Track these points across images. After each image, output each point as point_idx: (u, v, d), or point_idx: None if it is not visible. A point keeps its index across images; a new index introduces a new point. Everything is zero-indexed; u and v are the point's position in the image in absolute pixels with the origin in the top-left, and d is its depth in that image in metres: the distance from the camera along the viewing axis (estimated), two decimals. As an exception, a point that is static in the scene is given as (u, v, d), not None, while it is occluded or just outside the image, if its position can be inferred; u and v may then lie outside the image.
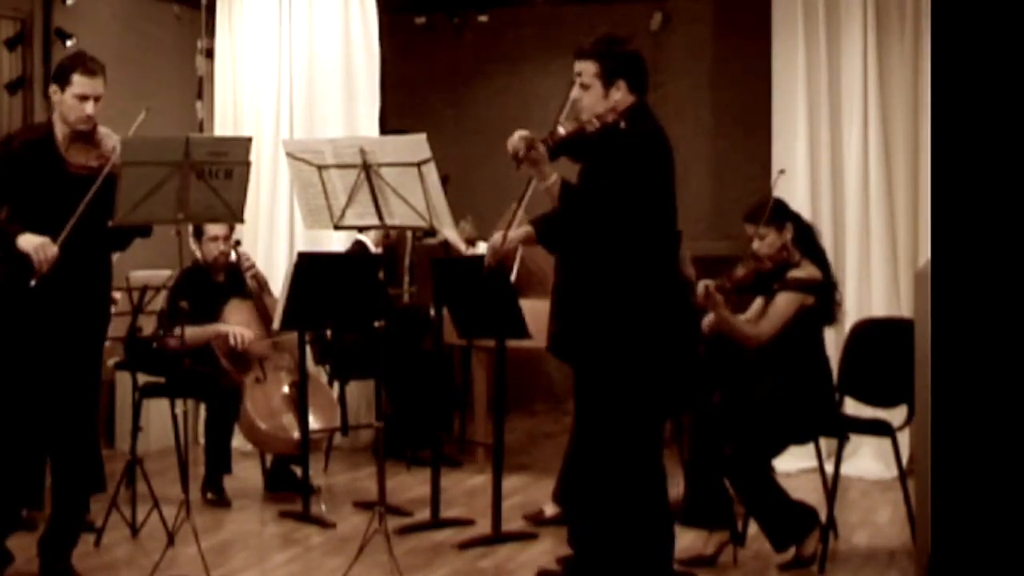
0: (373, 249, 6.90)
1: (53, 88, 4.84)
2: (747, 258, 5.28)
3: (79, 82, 4.76)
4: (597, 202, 4.38)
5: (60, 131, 4.82)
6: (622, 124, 4.43)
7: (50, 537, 4.88)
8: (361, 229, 6.37)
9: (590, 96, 4.48)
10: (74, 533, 4.93)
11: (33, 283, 4.61)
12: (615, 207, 4.36)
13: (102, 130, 4.85)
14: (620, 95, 4.48)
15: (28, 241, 4.64)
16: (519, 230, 4.80)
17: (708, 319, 5.31)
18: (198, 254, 6.49)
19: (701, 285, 5.16)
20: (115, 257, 5.07)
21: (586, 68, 4.49)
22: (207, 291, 6.38)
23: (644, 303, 4.41)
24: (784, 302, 5.19)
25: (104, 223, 4.71)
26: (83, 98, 4.77)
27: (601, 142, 4.43)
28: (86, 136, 4.81)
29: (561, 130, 4.44)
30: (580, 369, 4.57)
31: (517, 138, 4.36)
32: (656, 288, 4.45)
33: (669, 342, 4.51)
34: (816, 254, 5.32)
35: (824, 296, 5.24)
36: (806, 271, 5.23)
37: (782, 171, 5.88)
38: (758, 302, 5.35)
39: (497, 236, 4.82)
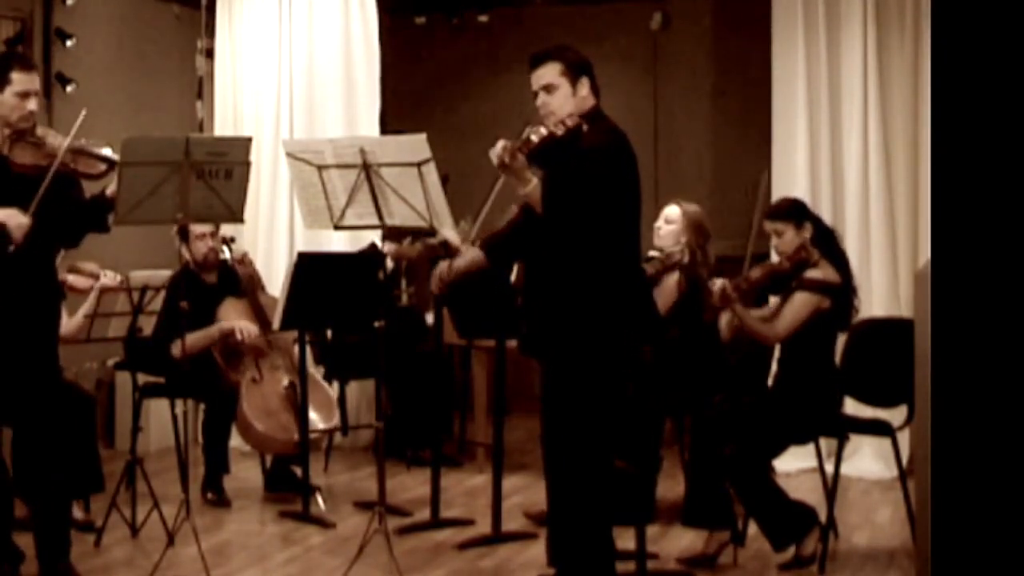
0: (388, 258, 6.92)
1: None
2: (766, 260, 5.28)
3: (20, 79, 4.65)
4: (569, 206, 4.41)
5: None
6: (585, 127, 4.45)
7: (38, 539, 4.82)
8: (385, 237, 6.37)
9: (558, 97, 4.48)
10: (60, 533, 4.85)
11: (12, 249, 4.53)
12: (583, 214, 4.39)
13: (41, 128, 4.75)
14: (586, 92, 4.51)
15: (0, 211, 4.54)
16: (466, 257, 4.82)
17: (726, 322, 5.33)
18: (187, 256, 6.47)
19: (717, 284, 5.16)
20: (117, 255, 5.05)
21: (549, 71, 4.49)
22: (200, 294, 6.35)
23: (609, 300, 4.46)
24: (799, 302, 5.18)
25: (52, 222, 4.65)
26: (25, 95, 4.65)
27: (567, 146, 4.44)
28: (27, 134, 4.69)
29: (534, 137, 4.44)
30: (548, 367, 4.61)
31: (500, 148, 4.39)
32: (617, 281, 4.49)
33: (632, 337, 4.60)
34: (836, 257, 5.30)
35: (841, 301, 5.23)
36: (823, 272, 5.22)
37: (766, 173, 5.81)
38: (774, 301, 5.35)
39: (443, 265, 4.85)
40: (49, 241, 4.79)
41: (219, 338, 6.33)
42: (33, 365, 4.75)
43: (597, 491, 4.51)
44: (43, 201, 4.57)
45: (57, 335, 4.97)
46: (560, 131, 4.44)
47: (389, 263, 7.00)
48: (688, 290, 5.69)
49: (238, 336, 6.31)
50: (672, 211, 5.82)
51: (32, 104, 4.68)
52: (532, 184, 4.42)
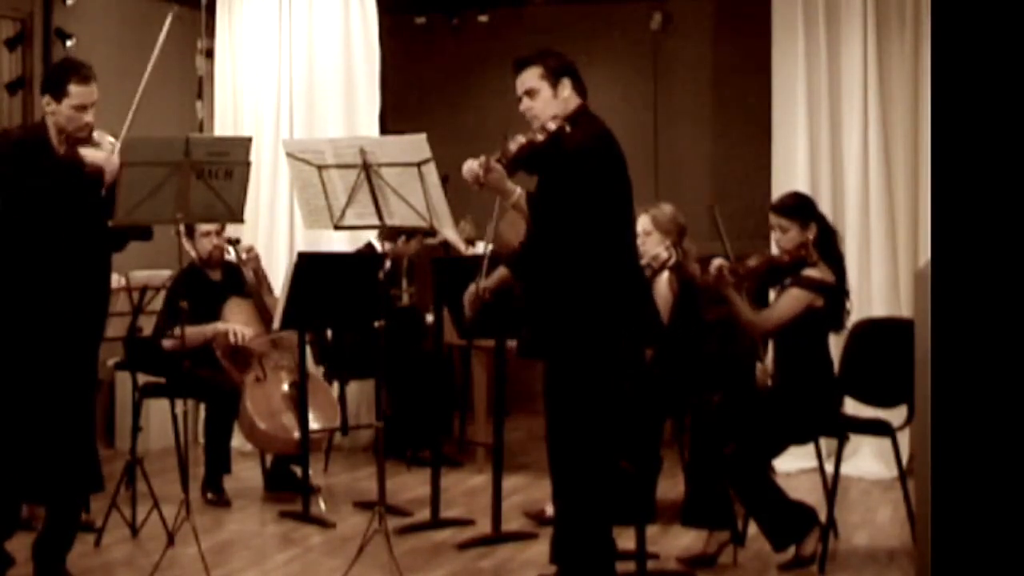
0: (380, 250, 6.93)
1: (47, 99, 4.71)
2: (761, 252, 5.26)
3: (77, 93, 4.67)
4: (559, 212, 4.43)
5: (55, 136, 4.73)
6: (568, 128, 4.46)
7: (46, 539, 4.85)
8: (382, 236, 6.39)
9: (540, 100, 4.51)
10: (70, 536, 4.90)
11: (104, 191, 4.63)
12: (574, 215, 4.41)
13: (97, 132, 4.79)
14: (568, 93, 4.53)
15: (94, 155, 4.66)
16: (493, 276, 4.86)
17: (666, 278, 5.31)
18: (193, 253, 6.49)
19: (714, 264, 5.16)
20: (116, 255, 5.06)
21: (529, 75, 4.53)
22: (205, 291, 6.38)
23: (605, 296, 4.47)
24: (793, 297, 5.19)
25: (105, 223, 4.70)
26: (81, 108, 4.68)
27: (550, 150, 4.46)
28: (82, 141, 4.73)
29: (512, 146, 4.47)
30: (549, 367, 4.61)
31: (471, 164, 4.43)
32: (615, 280, 4.51)
33: (629, 331, 4.61)
34: (834, 259, 5.31)
35: (834, 301, 5.23)
36: (820, 272, 5.22)
37: (711, 206, 5.66)
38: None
39: (472, 288, 4.87)
40: (103, 243, 4.84)
41: (212, 338, 6.33)
42: (79, 366, 4.81)
43: (598, 491, 4.52)
44: (93, 204, 4.65)
45: (102, 337, 5.00)
46: (540, 137, 4.47)
47: (387, 263, 7.00)
48: (681, 290, 5.70)
49: (231, 339, 6.31)
50: (644, 223, 5.82)
51: (88, 116, 4.71)
52: (516, 194, 4.47)
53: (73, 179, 4.68)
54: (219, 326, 6.34)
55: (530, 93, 4.53)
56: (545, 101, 4.52)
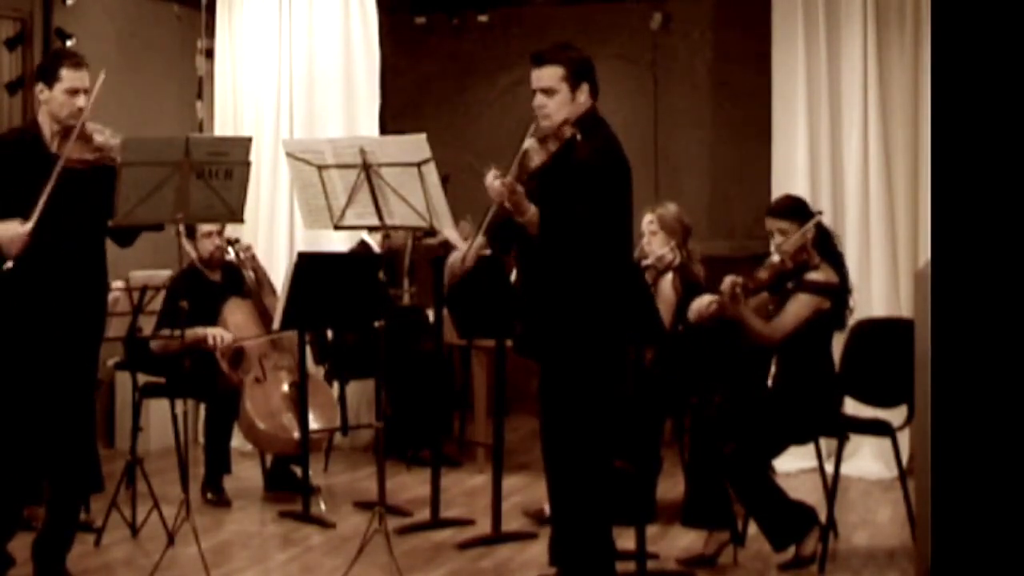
0: (377, 250, 6.92)
1: (40, 87, 4.77)
2: (768, 261, 5.25)
3: (68, 76, 4.71)
4: (566, 222, 4.45)
5: (48, 129, 4.76)
6: (578, 136, 4.47)
7: (45, 539, 4.85)
8: (371, 230, 6.38)
9: (556, 101, 4.49)
10: (69, 535, 4.90)
11: (9, 265, 4.56)
12: (580, 223, 4.43)
13: (90, 124, 4.79)
14: (584, 97, 4.52)
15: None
16: (475, 244, 4.85)
17: (697, 307, 5.29)
18: (193, 254, 6.47)
19: (728, 281, 5.14)
20: (116, 255, 5.06)
21: (550, 73, 4.50)
22: (205, 291, 6.37)
23: (604, 298, 4.48)
24: (800, 304, 5.18)
25: (102, 218, 4.70)
26: (73, 92, 4.71)
27: (559, 160, 4.47)
28: (75, 130, 4.72)
29: (531, 164, 4.48)
30: (545, 367, 4.62)
31: (497, 185, 4.42)
32: (612, 284, 4.52)
33: (626, 334, 4.62)
34: (834, 258, 5.31)
35: (839, 301, 5.24)
36: (824, 274, 5.22)
37: (820, 212, 5.56)
38: (762, 296, 5.33)
39: (456, 256, 4.86)
40: (100, 240, 4.84)
41: (192, 344, 6.21)
42: (79, 366, 4.80)
43: (596, 491, 4.52)
44: (90, 198, 4.63)
45: (102, 337, 4.99)
46: (554, 147, 4.47)
47: (377, 250, 7.01)
48: (685, 291, 5.70)
49: (210, 342, 6.27)
50: (649, 222, 5.82)
51: (80, 101, 4.72)
52: (532, 211, 4.46)
53: (68, 178, 4.66)
54: (198, 331, 6.27)
55: (547, 92, 4.50)
56: (561, 103, 4.49)
